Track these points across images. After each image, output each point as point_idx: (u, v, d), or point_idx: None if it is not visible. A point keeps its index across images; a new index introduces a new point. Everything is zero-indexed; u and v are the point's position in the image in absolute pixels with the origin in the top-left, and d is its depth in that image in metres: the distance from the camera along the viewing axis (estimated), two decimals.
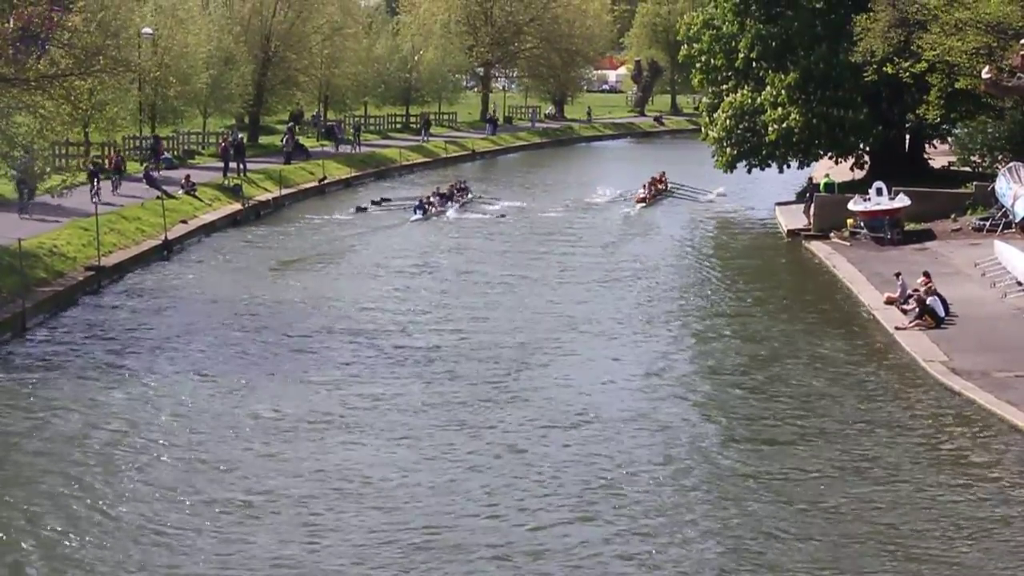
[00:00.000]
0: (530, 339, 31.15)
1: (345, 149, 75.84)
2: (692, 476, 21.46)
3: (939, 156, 60.84)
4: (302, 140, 73.70)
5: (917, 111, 52.27)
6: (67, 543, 18.23)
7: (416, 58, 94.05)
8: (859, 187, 51.11)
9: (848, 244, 45.48)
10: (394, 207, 57.15)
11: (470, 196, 61.06)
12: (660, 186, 64.12)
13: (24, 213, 41.72)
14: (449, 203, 57.95)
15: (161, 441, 22.79)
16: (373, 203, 58.23)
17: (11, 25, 33.26)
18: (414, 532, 18.74)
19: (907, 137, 59.65)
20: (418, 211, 54.93)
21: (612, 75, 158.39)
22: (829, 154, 57.40)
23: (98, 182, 47.08)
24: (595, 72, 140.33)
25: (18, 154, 35.03)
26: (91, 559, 17.75)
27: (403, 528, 18.89)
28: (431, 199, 57.09)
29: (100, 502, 19.78)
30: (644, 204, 60.52)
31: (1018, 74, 39.43)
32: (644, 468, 21.69)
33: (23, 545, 18.10)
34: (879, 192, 46.74)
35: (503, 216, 56.10)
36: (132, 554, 17.87)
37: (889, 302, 34.25)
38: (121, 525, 18.90)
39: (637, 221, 55.52)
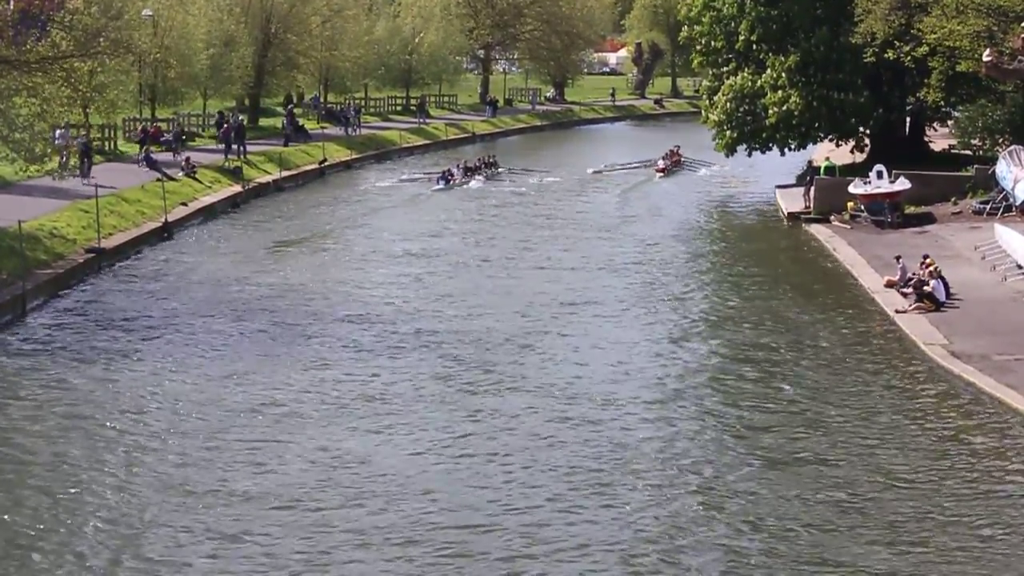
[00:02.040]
0: (532, 323, 31.13)
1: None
2: (692, 461, 21.52)
3: (939, 139, 60.78)
4: (303, 122, 73.65)
5: (918, 94, 52.26)
6: (62, 528, 18.22)
7: (417, 40, 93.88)
8: (859, 170, 51.06)
9: (848, 227, 45.47)
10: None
11: (499, 170, 64.40)
12: (676, 159, 69.21)
13: (85, 179, 44.58)
14: (474, 175, 61.37)
15: (160, 426, 22.79)
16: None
17: (12, 7, 33.26)
18: (415, 521, 18.71)
19: (907, 120, 59.59)
20: (441, 181, 58.54)
21: (612, 57, 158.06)
22: (829, 137, 57.39)
23: (145, 149, 53.12)
24: (595, 55, 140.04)
25: (17, 134, 34.96)
26: (86, 544, 17.74)
27: (404, 517, 18.83)
28: (453, 171, 60.31)
29: (98, 487, 19.79)
30: (663, 174, 65.57)
31: (1019, 57, 39.35)
32: (645, 455, 21.74)
33: (19, 529, 18.15)
34: (879, 175, 46.69)
35: (528, 170, 63.57)
36: (127, 543, 17.81)
37: (889, 285, 34.26)
38: (117, 512, 18.88)
39: (642, 202, 55.97)
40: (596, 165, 68.63)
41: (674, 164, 68.45)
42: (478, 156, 67.25)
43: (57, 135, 44.68)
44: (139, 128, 57.87)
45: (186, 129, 63.53)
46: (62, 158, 43.44)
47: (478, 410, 23.99)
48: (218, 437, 22.18)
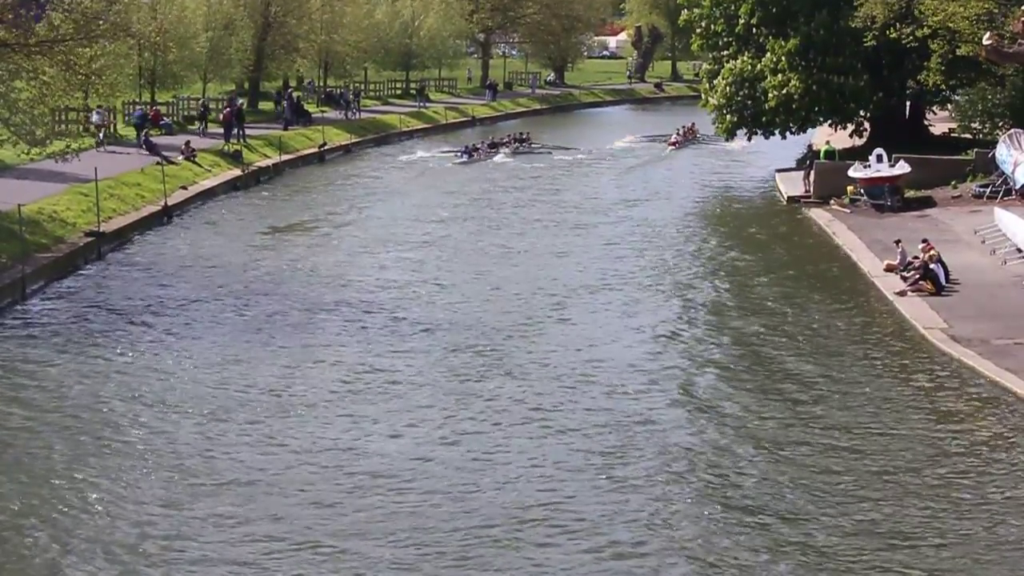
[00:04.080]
0: (535, 310, 31.00)
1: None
2: (696, 445, 21.56)
3: (939, 123, 60.71)
4: (305, 105, 73.65)
5: (918, 78, 52.14)
6: (58, 515, 18.13)
7: (416, 23, 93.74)
8: (859, 154, 51.01)
9: (848, 211, 45.44)
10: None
11: (532, 145, 67.89)
12: (690, 135, 73.79)
13: (144, 150, 50.96)
14: (500, 149, 64.57)
15: (158, 410, 22.74)
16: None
17: None
18: (419, 510, 18.60)
19: (907, 104, 59.52)
20: (463, 155, 61.66)
21: (612, 41, 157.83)
22: (829, 121, 57.30)
23: (206, 123, 59.19)
24: (595, 38, 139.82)
25: (18, 117, 34.92)
26: (83, 532, 17.62)
27: (407, 506, 18.72)
28: (478, 145, 63.94)
29: (94, 471, 19.77)
30: (676, 147, 70.44)
31: (1019, 40, 39.28)
32: (650, 441, 21.76)
33: (19, 515, 18.14)
34: (879, 159, 46.65)
35: (550, 152, 66.71)
36: (124, 531, 17.67)
37: (889, 269, 34.25)
38: (113, 496, 18.82)
39: (646, 184, 56.25)
40: (617, 140, 74.83)
41: (688, 139, 72.90)
42: (509, 132, 70.81)
43: (95, 115, 53.17)
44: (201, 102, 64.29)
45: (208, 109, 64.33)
46: (99, 135, 52.29)
47: (481, 397, 23.95)
48: (217, 423, 22.17)
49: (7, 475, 19.51)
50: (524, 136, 69.42)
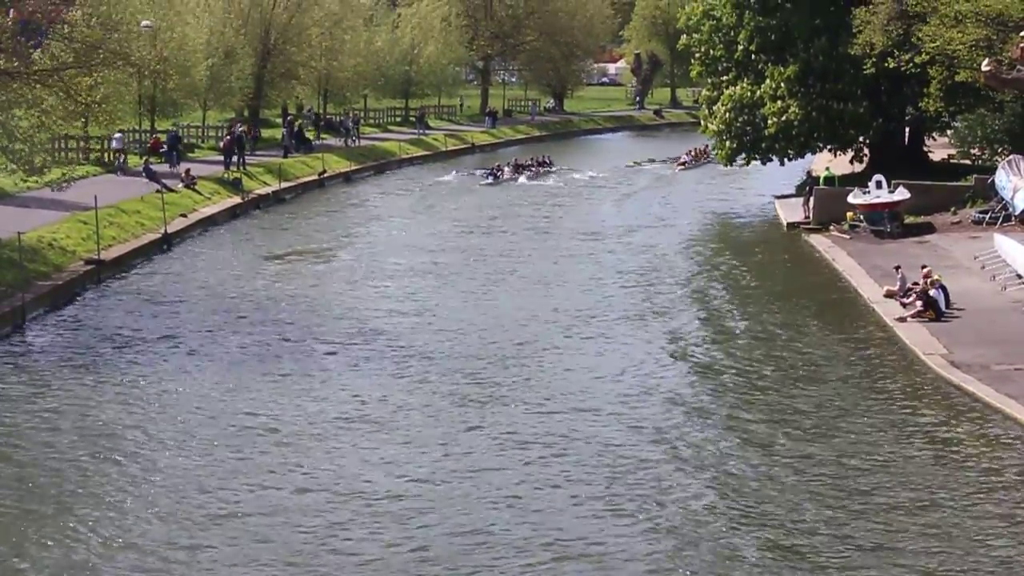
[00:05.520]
0: (536, 337, 30.90)
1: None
2: (700, 473, 21.50)
3: (939, 149, 60.79)
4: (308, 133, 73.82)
5: (917, 104, 52.24)
6: (61, 546, 17.98)
7: (416, 51, 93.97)
8: (859, 180, 51.08)
9: (848, 237, 45.45)
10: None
11: (553, 169, 70.68)
12: (702, 156, 75.73)
13: (174, 167, 53.81)
14: (524, 172, 67.49)
15: (155, 440, 22.63)
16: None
17: (11, 18, 33.32)
18: (423, 539, 18.52)
19: (907, 130, 59.60)
20: (489, 176, 64.61)
21: (612, 68, 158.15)
22: (828, 147, 57.42)
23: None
24: (595, 65, 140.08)
25: (17, 146, 34.99)
26: (76, 566, 17.46)
27: (411, 537, 18.62)
28: (503, 167, 66.77)
29: (90, 501, 19.65)
30: (684, 168, 73.82)
31: (1018, 67, 39.38)
32: (654, 471, 21.70)
33: (16, 539, 18.06)
34: (879, 185, 46.70)
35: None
36: (117, 565, 17.47)
37: (889, 295, 34.24)
38: (107, 527, 18.67)
39: (647, 210, 56.42)
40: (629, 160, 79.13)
41: (696, 160, 75.49)
42: (531, 156, 74.08)
43: (114, 139, 55.02)
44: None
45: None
46: (118, 160, 54.45)
47: (480, 427, 23.85)
48: (215, 453, 22.06)
49: (2, 501, 19.43)
50: (546, 159, 72.72)
